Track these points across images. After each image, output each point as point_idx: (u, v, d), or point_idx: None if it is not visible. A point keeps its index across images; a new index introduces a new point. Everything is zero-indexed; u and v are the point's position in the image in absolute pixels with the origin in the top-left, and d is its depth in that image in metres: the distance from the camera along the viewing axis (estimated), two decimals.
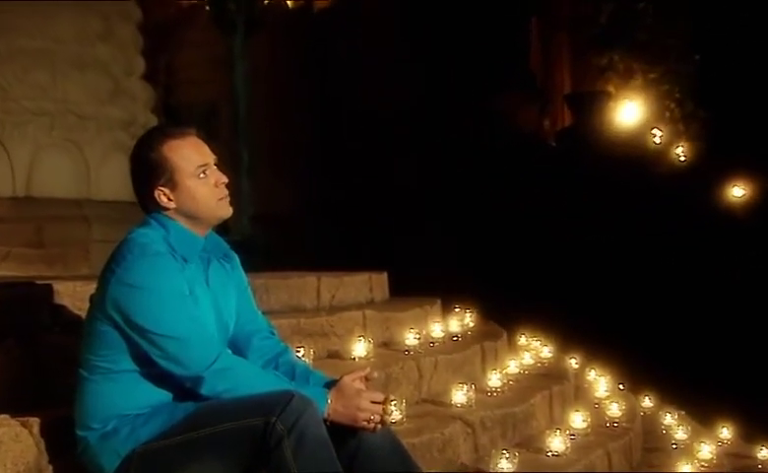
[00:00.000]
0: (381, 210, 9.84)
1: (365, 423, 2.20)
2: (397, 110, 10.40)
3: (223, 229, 2.45)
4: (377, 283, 4.70)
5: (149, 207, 2.27)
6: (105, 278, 2.17)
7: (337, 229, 9.59)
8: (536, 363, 4.75)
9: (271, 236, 8.83)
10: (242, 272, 2.48)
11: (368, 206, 9.94)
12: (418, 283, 5.20)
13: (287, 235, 8.92)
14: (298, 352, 3.12)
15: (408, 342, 3.91)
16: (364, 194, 10.12)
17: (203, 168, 2.25)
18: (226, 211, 2.29)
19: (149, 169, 2.24)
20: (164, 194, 2.24)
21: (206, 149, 2.30)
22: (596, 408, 4.44)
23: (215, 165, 2.29)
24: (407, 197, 9.96)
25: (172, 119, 9.29)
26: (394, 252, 7.97)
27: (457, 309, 4.69)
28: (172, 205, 2.24)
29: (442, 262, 8.68)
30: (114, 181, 5.63)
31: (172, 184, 2.23)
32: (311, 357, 3.26)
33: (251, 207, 9.28)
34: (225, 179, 2.29)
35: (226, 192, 2.29)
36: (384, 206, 9.90)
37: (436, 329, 4.28)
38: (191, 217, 2.26)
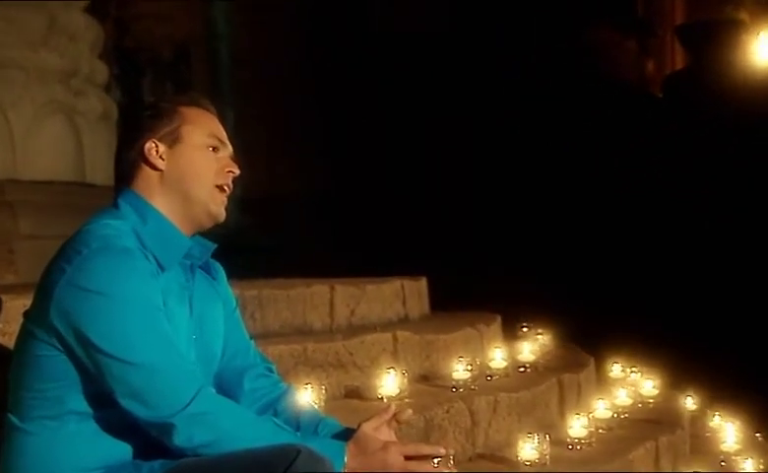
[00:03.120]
0: (413, 193, 9.84)
1: None
2: (433, 48, 10.37)
3: None
4: (413, 293, 4.72)
5: (127, 174, 2.33)
6: (51, 279, 2.19)
7: (355, 220, 9.61)
8: (635, 403, 4.76)
9: (265, 228, 8.89)
10: (229, 288, 2.54)
11: (396, 188, 9.95)
12: (468, 293, 5.22)
13: (286, 227, 8.96)
14: (305, 390, 3.15)
15: (456, 375, 3.93)
16: (390, 172, 10.13)
17: (216, 143, 2.39)
18: (219, 208, 2.38)
19: (151, 116, 2.36)
20: (156, 148, 2.32)
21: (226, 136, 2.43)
22: (722, 466, 4.43)
23: (232, 158, 2.43)
24: (446, 174, 9.94)
25: (127, 66, 9.36)
26: (433, 252, 7.99)
27: (524, 329, 4.69)
28: (161, 165, 2.32)
29: (500, 262, 8.67)
30: (49, 155, 5.64)
31: (173, 138, 2.33)
32: (323, 397, 3.29)
33: (237, 188, 9.32)
34: (237, 172, 2.41)
35: (229, 189, 2.40)
36: (416, 187, 9.89)
37: (496, 357, 4.30)
38: (176, 194, 2.32)
